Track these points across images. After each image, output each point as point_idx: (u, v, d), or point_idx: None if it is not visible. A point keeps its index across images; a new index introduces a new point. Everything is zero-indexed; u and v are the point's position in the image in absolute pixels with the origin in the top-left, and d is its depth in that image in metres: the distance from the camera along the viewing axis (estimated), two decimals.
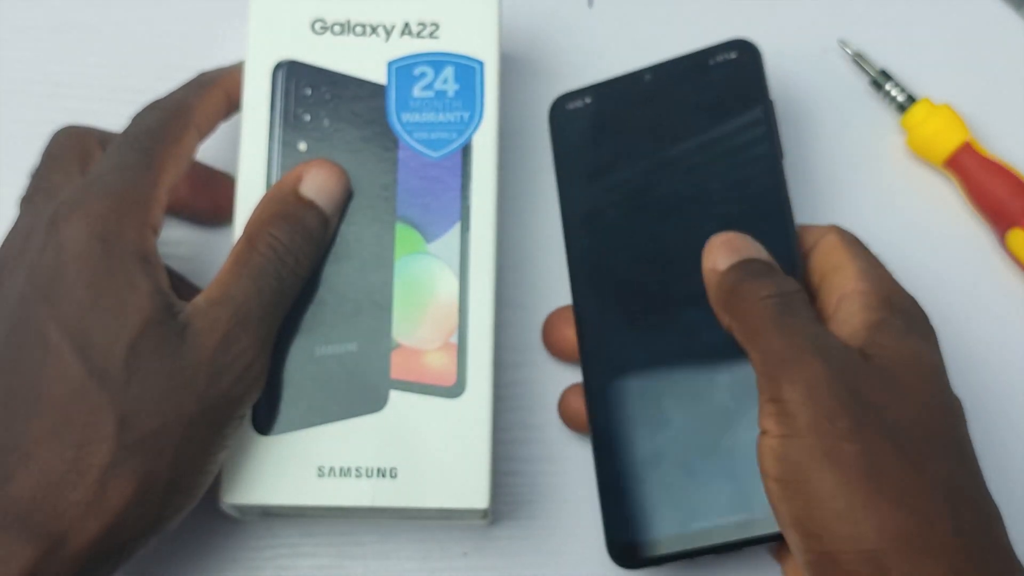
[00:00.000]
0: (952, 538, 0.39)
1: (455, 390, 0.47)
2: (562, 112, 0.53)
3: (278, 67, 0.48)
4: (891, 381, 0.42)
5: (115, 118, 0.50)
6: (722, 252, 0.46)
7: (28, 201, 0.46)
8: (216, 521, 0.50)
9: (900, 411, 0.41)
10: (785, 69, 0.56)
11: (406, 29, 0.49)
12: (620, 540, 0.47)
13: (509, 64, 0.55)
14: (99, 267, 0.42)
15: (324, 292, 0.47)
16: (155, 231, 0.44)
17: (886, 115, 0.56)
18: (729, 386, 0.47)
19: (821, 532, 0.40)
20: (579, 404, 0.49)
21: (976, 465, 0.42)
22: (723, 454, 0.46)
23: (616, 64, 0.54)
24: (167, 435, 0.41)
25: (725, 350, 0.46)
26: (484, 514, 0.46)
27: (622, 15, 0.57)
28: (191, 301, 0.43)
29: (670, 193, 0.50)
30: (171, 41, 0.56)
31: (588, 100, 0.53)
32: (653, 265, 0.50)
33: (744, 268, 0.45)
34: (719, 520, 0.46)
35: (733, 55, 0.51)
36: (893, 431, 0.40)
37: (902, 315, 0.44)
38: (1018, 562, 0.41)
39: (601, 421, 0.48)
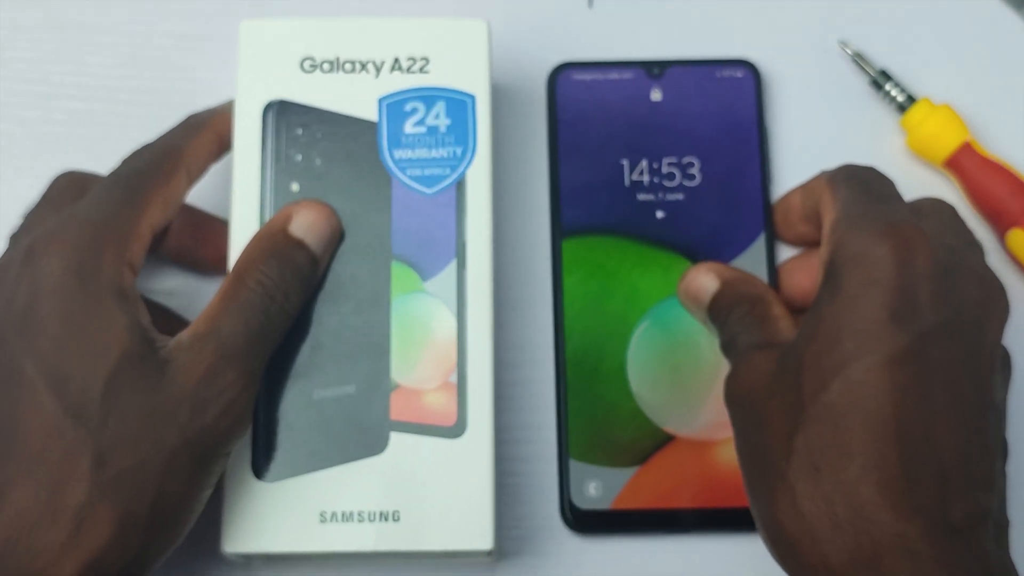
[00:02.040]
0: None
1: (456, 430, 0.46)
2: (564, 81, 0.55)
3: (268, 107, 0.48)
4: (785, 376, 0.42)
5: (115, 118, 0.51)
6: (687, 303, 0.50)
7: (14, 237, 0.46)
8: (221, 567, 0.50)
9: (778, 403, 0.42)
10: (785, 69, 0.56)
11: (396, 64, 0.48)
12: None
13: (509, 63, 0.55)
14: (74, 301, 0.42)
15: (321, 334, 0.47)
16: (133, 268, 0.44)
17: (886, 115, 0.56)
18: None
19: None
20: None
21: (929, 446, 0.40)
22: None
23: (616, 57, 0.56)
24: (147, 471, 0.41)
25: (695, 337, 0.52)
26: (489, 554, 0.46)
27: (622, 15, 0.57)
28: (176, 336, 0.43)
29: (655, 188, 0.53)
30: (171, 41, 0.56)
31: (591, 76, 0.55)
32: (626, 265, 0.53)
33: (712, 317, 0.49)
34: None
35: (739, 74, 0.55)
36: (752, 426, 0.43)
37: (836, 279, 0.42)
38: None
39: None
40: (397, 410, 0.46)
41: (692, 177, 0.53)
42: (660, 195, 0.53)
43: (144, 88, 0.55)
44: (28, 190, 0.47)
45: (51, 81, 0.56)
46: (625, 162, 0.54)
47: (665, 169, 0.53)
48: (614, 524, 0.50)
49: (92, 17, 0.56)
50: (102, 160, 0.53)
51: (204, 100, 0.54)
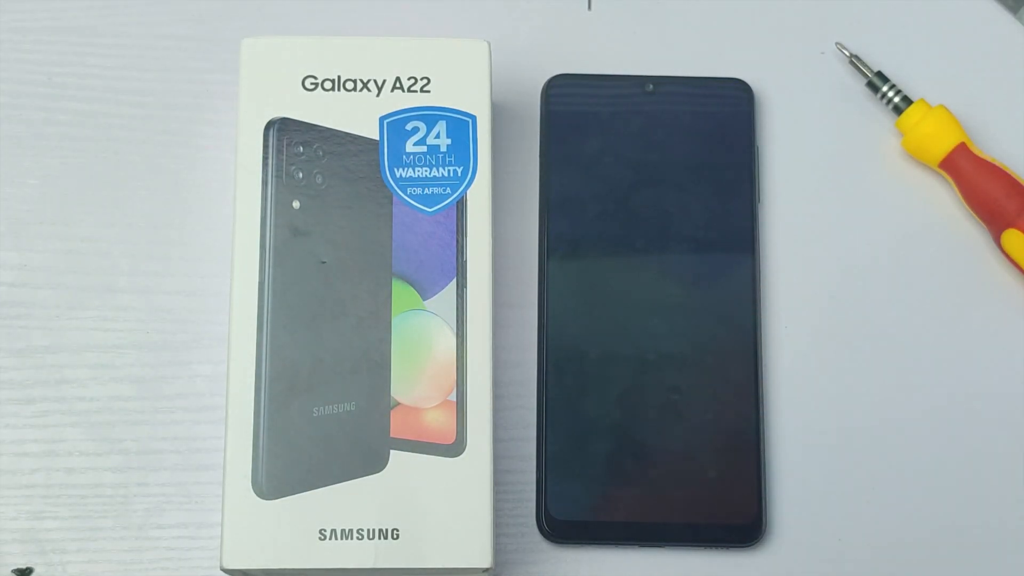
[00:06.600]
0: None
1: (455, 448, 0.46)
2: (558, 93, 0.55)
3: (270, 125, 0.48)
4: None
5: (117, 119, 0.51)
6: None
7: None
8: None
9: None
10: (782, 70, 0.56)
11: (397, 84, 0.49)
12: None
13: (508, 65, 0.56)
14: None
15: (321, 351, 0.47)
16: None
17: (882, 117, 0.56)
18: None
19: None
20: None
21: None
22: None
23: (615, 66, 0.56)
24: None
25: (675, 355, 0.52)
26: (486, 571, 0.47)
27: (621, 17, 0.57)
28: None
29: (644, 210, 0.54)
30: (173, 43, 0.56)
31: (586, 89, 0.55)
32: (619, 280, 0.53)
33: None
34: None
35: (731, 93, 0.55)
36: None
37: None
38: None
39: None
40: (397, 428, 0.47)
41: (683, 194, 0.54)
42: (649, 210, 0.53)
43: (148, 90, 0.55)
44: (32, 191, 0.47)
45: (55, 83, 0.56)
46: (616, 176, 0.54)
47: (655, 185, 0.54)
48: (590, 534, 0.51)
49: (96, 19, 0.56)
50: (105, 162, 0.54)
51: (206, 102, 0.55)
